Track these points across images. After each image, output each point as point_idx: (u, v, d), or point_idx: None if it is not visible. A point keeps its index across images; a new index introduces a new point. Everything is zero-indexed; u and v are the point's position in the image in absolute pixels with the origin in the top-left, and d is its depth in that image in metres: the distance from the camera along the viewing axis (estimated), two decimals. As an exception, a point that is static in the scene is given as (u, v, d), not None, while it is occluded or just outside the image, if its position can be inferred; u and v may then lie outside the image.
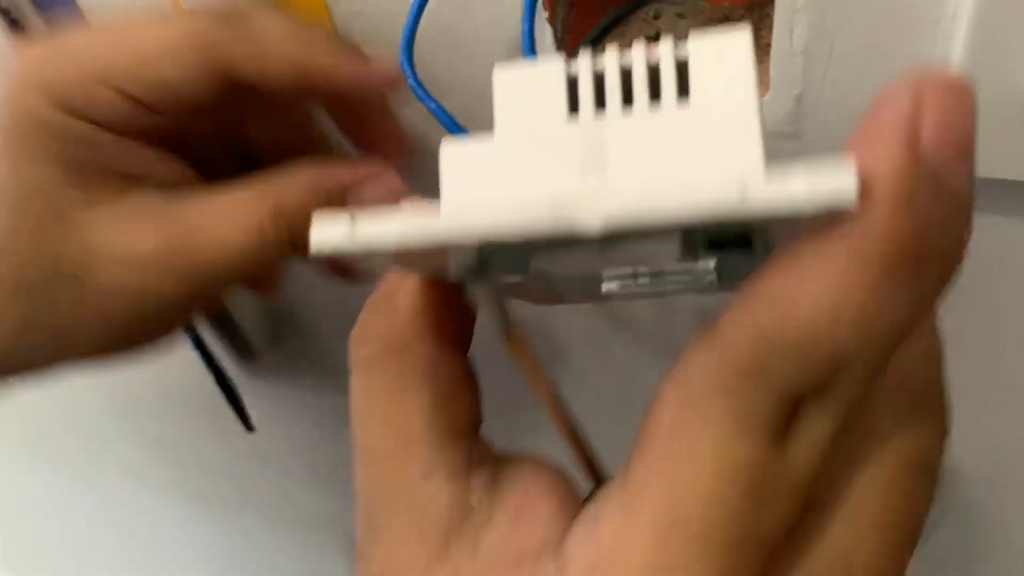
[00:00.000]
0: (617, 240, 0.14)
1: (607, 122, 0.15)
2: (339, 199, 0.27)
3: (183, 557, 0.85)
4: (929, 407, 0.15)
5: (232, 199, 0.26)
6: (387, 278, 0.18)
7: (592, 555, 0.14)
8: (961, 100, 0.12)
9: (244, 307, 0.52)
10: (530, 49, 0.27)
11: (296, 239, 0.26)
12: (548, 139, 0.15)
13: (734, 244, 0.15)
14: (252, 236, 0.25)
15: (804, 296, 0.12)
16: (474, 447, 0.18)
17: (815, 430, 0.14)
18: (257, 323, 0.53)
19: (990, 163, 0.26)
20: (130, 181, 0.26)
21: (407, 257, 0.16)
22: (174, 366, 0.59)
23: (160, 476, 0.75)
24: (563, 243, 0.15)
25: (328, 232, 0.15)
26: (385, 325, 0.18)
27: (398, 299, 0.18)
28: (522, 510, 0.16)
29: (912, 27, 0.25)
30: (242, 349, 0.55)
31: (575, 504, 0.17)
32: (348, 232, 0.14)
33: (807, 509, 0.14)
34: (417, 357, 0.17)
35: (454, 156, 0.16)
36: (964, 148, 0.12)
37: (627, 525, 0.14)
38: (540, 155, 0.15)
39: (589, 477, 0.18)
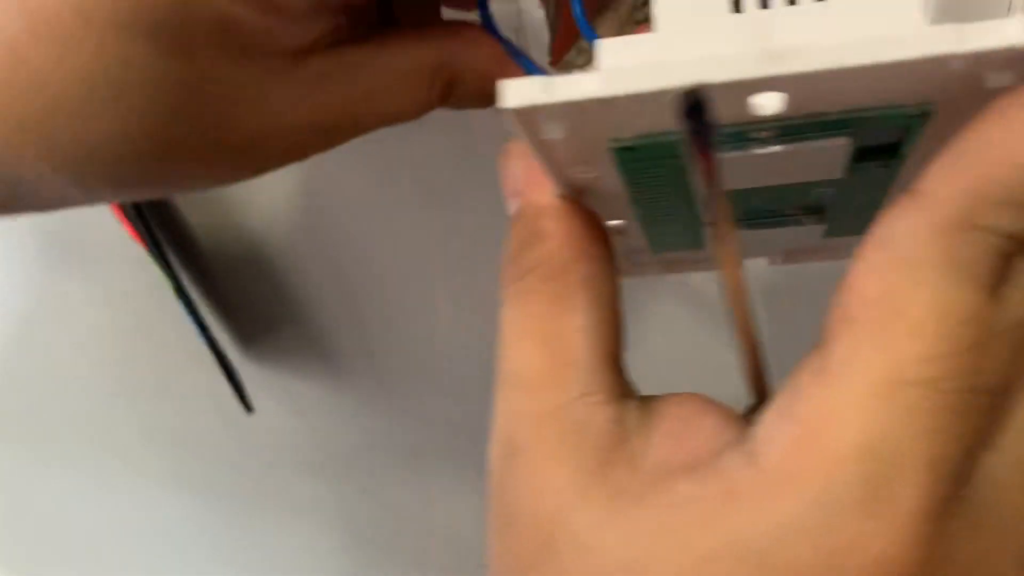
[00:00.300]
0: (793, 127, 0.14)
1: (773, 13, 0.15)
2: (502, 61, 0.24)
3: (180, 546, 0.86)
4: None
5: (402, 63, 0.24)
6: (519, 205, 0.18)
7: (792, 434, 0.14)
8: None
9: (245, 292, 0.54)
10: None
11: (470, 97, 0.25)
12: (714, 29, 0.15)
13: (885, 151, 0.16)
14: (424, 97, 0.24)
15: (1018, 143, 0.13)
16: (623, 376, 0.18)
17: None
18: (257, 308, 0.55)
19: None
20: (297, 52, 0.23)
21: (585, 126, 0.15)
22: (174, 352, 0.60)
23: (158, 464, 0.76)
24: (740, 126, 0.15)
25: (523, 88, 0.14)
26: (538, 251, 0.17)
27: (545, 224, 0.18)
28: (681, 427, 0.16)
29: None
30: (242, 333, 0.56)
31: (736, 418, 0.16)
32: (544, 85, 0.14)
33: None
34: (576, 278, 0.17)
35: (614, 48, 0.16)
36: None
37: (833, 397, 0.14)
38: (708, 42, 0.15)
39: (754, 390, 0.17)
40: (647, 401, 0.17)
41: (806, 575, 0.13)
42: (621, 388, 0.17)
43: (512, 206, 0.19)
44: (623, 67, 0.14)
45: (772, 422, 0.14)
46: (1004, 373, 0.13)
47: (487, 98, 0.22)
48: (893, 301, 0.13)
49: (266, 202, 0.46)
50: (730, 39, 0.15)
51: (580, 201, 0.18)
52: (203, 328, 0.52)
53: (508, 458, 0.17)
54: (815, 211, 0.20)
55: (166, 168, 0.21)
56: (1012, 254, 0.13)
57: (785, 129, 0.15)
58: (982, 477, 0.14)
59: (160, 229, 0.47)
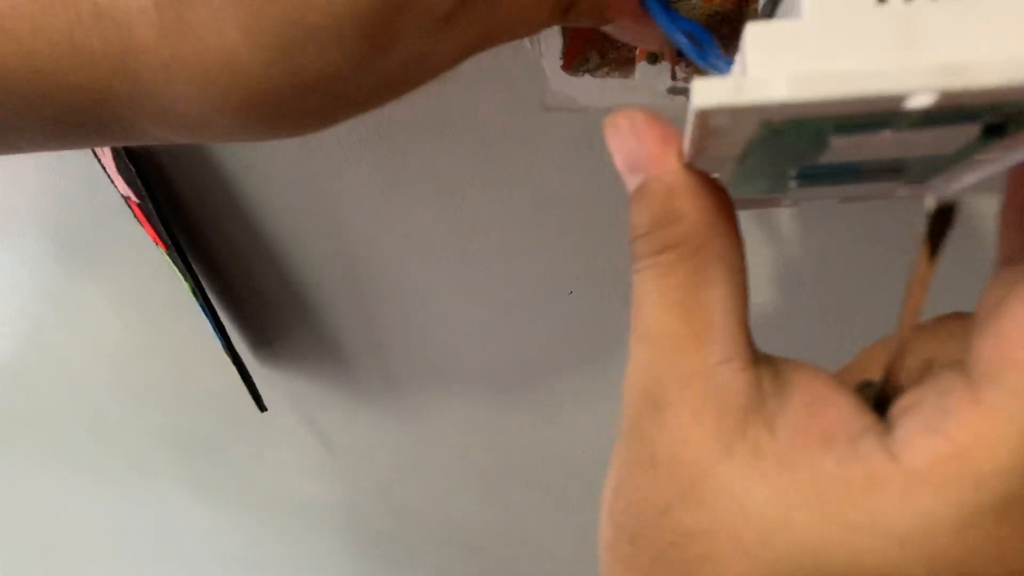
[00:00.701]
0: (932, 116, 0.16)
1: (918, 6, 0.16)
2: None
3: (190, 548, 0.87)
4: None
5: None
6: (643, 186, 0.20)
7: (941, 448, 0.15)
8: None
9: (259, 293, 0.55)
10: None
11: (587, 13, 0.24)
12: (861, 22, 0.16)
13: (997, 131, 0.17)
14: (548, 14, 0.24)
15: None
16: (753, 344, 0.19)
17: None
18: (271, 309, 0.56)
19: None
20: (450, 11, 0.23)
21: (753, 115, 0.16)
22: (190, 352, 0.61)
23: (170, 466, 0.77)
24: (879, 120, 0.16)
25: (716, 88, 0.15)
26: (676, 230, 0.19)
27: (680, 204, 0.19)
28: (815, 401, 0.18)
29: None
30: (256, 333, 0.57)
31: (864, 405, 0.18)
32: (736, 88, 0.15)
33: None
34: (713, 253, 0.19)
35: (762, 35, 0.16)
36: None
37: (988, 428, 0.15)
38: (855, 36, 0.16)
39: (887, 379, 0.19)
40: (777, 366, 0.19)
41: (942, 562, 0.15)
42: (754, 354, 0.19)
43: (632, 181, 0.20)
44: (799, 70, 0.15)
45: (919, 433, 0.16)
46: None
47: (601, 13, 0.24)
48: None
49: (282, 205, 0.48)
50: (880, 35, 0.16)
51: (699, 167, 0.19)
52: (219, 327, 0.53)
53: (652, 411, 0.18)
54: (896, 170, 0.20)
55: (331, 106, 0.23)
56: None
57: (925, 117, 0.16)
58: None
59: (179, 231, 0.49)
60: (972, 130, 0.17)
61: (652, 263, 0.19)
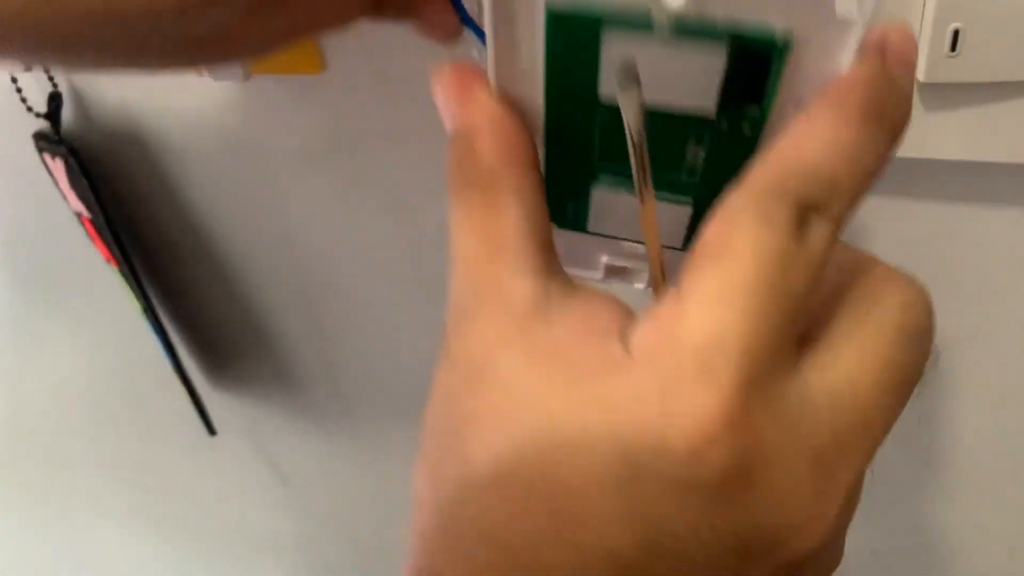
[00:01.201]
0: (684, 26, 0.19)
1: None
2: None
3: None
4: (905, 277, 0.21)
5: None
6: (460, 116, 0.23)
7: (651, 328, 0.19)
8: (909, 38, 0.20)
9: (212, 317, 0.54)
10: None
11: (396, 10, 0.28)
12: None
13: (748, 96, 0.20)
14: (358, 12, 0.27)
15: (810, 137, 0.19)
16: (552, 259, 0.22)
17: (820, 232, 0.19)
18: (224, 332, 0.55)
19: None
20: None
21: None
22: (139, 375, 0.60)
23: (114, 493, 0.76)
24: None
25: None
26: (474, 165, 0.22)
27: (478, 142, 0.22)
28: (592, 306, 0.21)
29: None
30: (209, 355, 0.57)
31: (633, 315, 0.21)
32: None
33: (821, 326, 0.20)
34: (507, 184, 0.22)
35: None
36: (910, 64, 0.20)
37: (682, 304, 0.18)
38: None
39: (656, 291, 0.22)
40: (572, 286, 0.22)
41: (646, 422, 0.18)
42: (548, 267, 0.21)
43: (448, 126, 0.23)
44: None
45: (642, 321, 0.19)
46: (806, 293, 0.18)
47: (410, 9, 0.27)
48: (724, 243, 0.18)
49: (235, 222, 0.47)
50: None
51: (511, 94, 0.22)
52: (170, 348, 0.52)
53: (457, 320, 0.21)
54: (686, 190, 0.24)
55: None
56: (808, 212, 0.19)
57: (678, 25, 0.19)
58: (797, 386, 0.18)
59: (131, 248, 0.48)
60: (720, 59, 0.20)
61: (456, 199, 0.22)
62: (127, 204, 0.48)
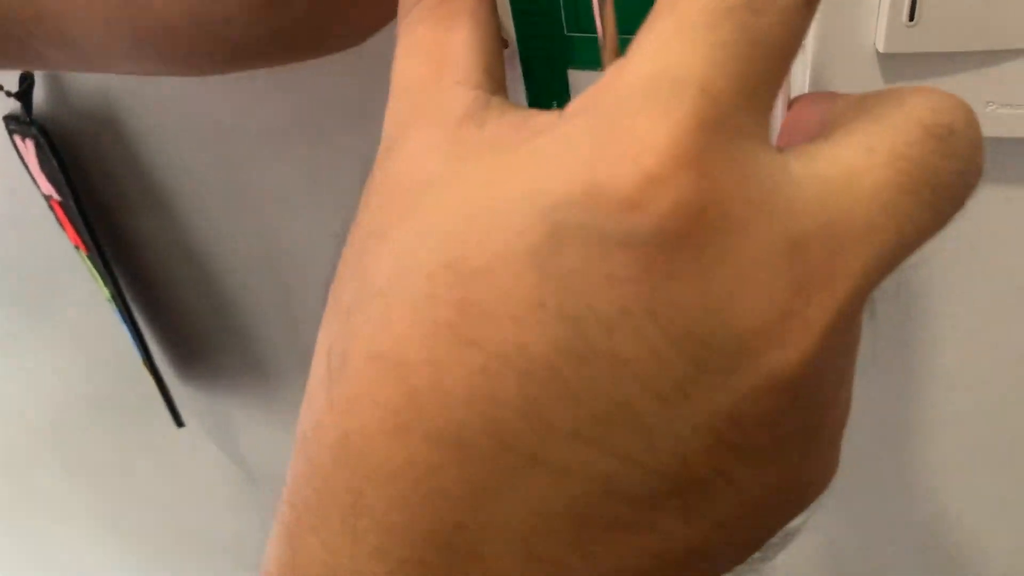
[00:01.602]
0: None
1: None
2: None
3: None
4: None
5: None
6: None
7: (590, 90, 0.15)
8: None
9: (184, 310, 0.54)
10: None
11: None
12: None
13: None
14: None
15: None
16: (500, 85, 0.19)
17: None
18: (198, 324, 0.55)
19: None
20: None
21: None
22: (106, 365, 0.60)
23: (78, 493, 0.75)
24: None
25: None
26: None
27: None
28: (532, 113, 0.17)
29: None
30: (179, 347, 0.56)
31: None
32: None
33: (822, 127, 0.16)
34: (460, 6, 0.19)
35: None
36: None
37: (627, 56, 0.15)
38: None
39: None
40: (518, 106, 0.19)
41: (572, 170, 0.14)
42: (492, 87, 0.19)
43: None
44: None
45: (582, 93, 0.16)
46: (781, 48, 0.15)
47: None
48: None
49: (208, 205, 0.47)
50: None
51: None
52: (138, 337, 0.52)
53: (387, 149, 0.18)
54: None
55: None
56: None
57: None
58: (774, 160, 0.15)
59: (103, 235, 0.48)
60: None
61: (407, 20, 0.20)
62: (98, 188, 0.48)
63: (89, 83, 0.44)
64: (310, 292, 0.50)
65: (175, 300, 0.53)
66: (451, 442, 0.15)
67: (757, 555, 0.18)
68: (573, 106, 0.16)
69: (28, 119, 0.44)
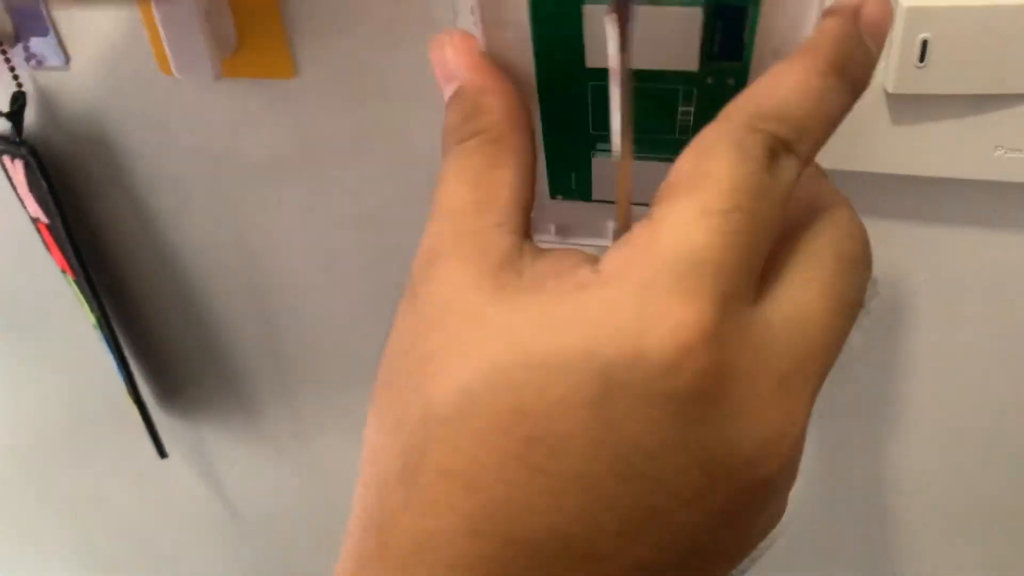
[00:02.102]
0: None
1: None
2: None
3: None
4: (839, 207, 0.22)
5: None
6: (461, 81, 0.23)
7: (625, 251, 0.19)
8: (885, 7, 0.21)
9: (170, 340, 0.53)
10: None
11: None
12: None
13: (729, 52, 0.22)
14: None
15: (783, 82, 0.20)
16: (528, 226, 0.23)
17: (788, 167, 0.20)
18: (180, 352, 0.54)
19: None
20: None
21: None
22: (89, 394, 0.59)
23: (54, 526, 0.73)
24: None
25: None
26: (482, 120, 0.22)
27: (488, 100, 0.23)
28: (563, 256, 0.21)
29: None
30: (164, 377, 0.55)
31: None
32: None
33: (774, 262, 0.20)
34: (510, 144, 0.22)
35: None
36: (879, 29, 0.21)
37: (654, 226, 0.19)
38: None
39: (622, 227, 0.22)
40: (544, 250, 0.22)
41: (622, 334, 0.18)
42: (526, 231, 0.22)
43: (449, 88, 0.24)
44: None
45: (614, 248, 0.19)
46: (773, 223, 0.19)
47: None
48: (701, 169, 0.19)
49: (197, 232, 0.46)
50: None
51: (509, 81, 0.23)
52: (124, 364, 0.51)
53: (427, 265, 0.21)
54: (678, 148, 0.22)
55: None
56: (778, 149, 0.20)
57: None
58: (760, 313, 0.19)
59: (90, 260, 0.47)
60: (696, 13, 0.21)
61: (458, 149, 0.23)
62: (87, 211, 0.47)
63: (81, 105, 0.43)
64: (294, 328, 0.49)
65: (161, 329, 0.52)
66: (521, 542, 0.19)
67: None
68: (610, 267, 0.19)
69: (18, 139, 0.43)
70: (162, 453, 0.55)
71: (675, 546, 0.19)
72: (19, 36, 0.41)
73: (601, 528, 0.19)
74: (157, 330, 0.52)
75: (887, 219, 0.34)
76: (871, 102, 0.29)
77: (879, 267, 0.35)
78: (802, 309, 0.20)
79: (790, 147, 0.20)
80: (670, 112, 0.24)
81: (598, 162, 0.26)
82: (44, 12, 0.40)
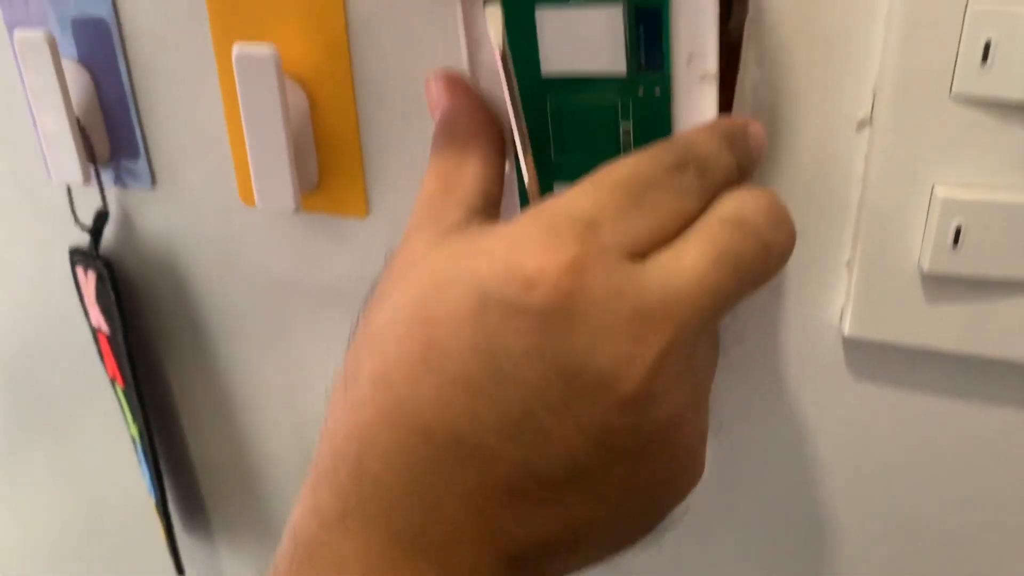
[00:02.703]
0: None
1: None
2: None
3: None
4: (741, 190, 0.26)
5: None
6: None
7: (524, 212, 0.25)
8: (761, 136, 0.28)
9: (204, 459, 0.54)
10: None
11: None
12: None
13: (651, 61, 0.27)
14: None
15: (695, 132, 0.27)
16: (491, 210, 0.28)
17: (689, 181, 0.26)
18: (213, 474, 0.55)
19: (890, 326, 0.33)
20: None
21: None
22: (116, 502, 0.59)
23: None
24: None
25: None
26: (454, 127, 0.29)
27: (460, 115, 0.30)
28: (494, 225, 0.26)
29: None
30: (191, 496, 0.56)
31: None
32: None
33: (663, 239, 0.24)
34: (474, 149, 0.29)
35: None
36: (735, 136, 0.28)
37: (554, 198, 0.25)
38: None
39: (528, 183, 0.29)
40: (492, 222, 0.27)
41: (499, 262, 0.23)
42: (483, 211, 0.28)
43: (436, 112, 0.31)
44: None
45: (520, 214, 0.25)
46: (661, 201, 0.24)
47: None
48: (606, 166, 0.25)
49: (252, 364, 0.48)
50: None
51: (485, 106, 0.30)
52: (158, 479, 0.52)
53: (402, 241, 0.27)
54: None
55: None
56: (688, 166, 0.25)
57: None
58: (635, 265, 0.23)
59: (142, 372, 0.49)
60: (618, 11, 0.27)
61: (435, 155, 0.29)
62: (147, 325, 0.50)
63: (159, 225, 0.46)
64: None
65: (196, 447, 0.54)
66: (423, 432, 0.23)
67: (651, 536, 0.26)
68: (512, 223, 0.24)
69: (95, 253, 0.46)
70: (180, 569, 0.55)
71: (560, 459, 0.23)
72: (113, 156, 0.44)
73: (484, 425, 0.23)
74: (192, 448, 0.54)
75: (916, 392, 0.35)
76: (906, 279, 0.32)
77: (909, 439, 0.36)
78: (680, 259, 0.23)
79: (696, 171, 0.25)
80: (612, 130, 0.30)
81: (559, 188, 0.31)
82: (139, 136, 0.43)
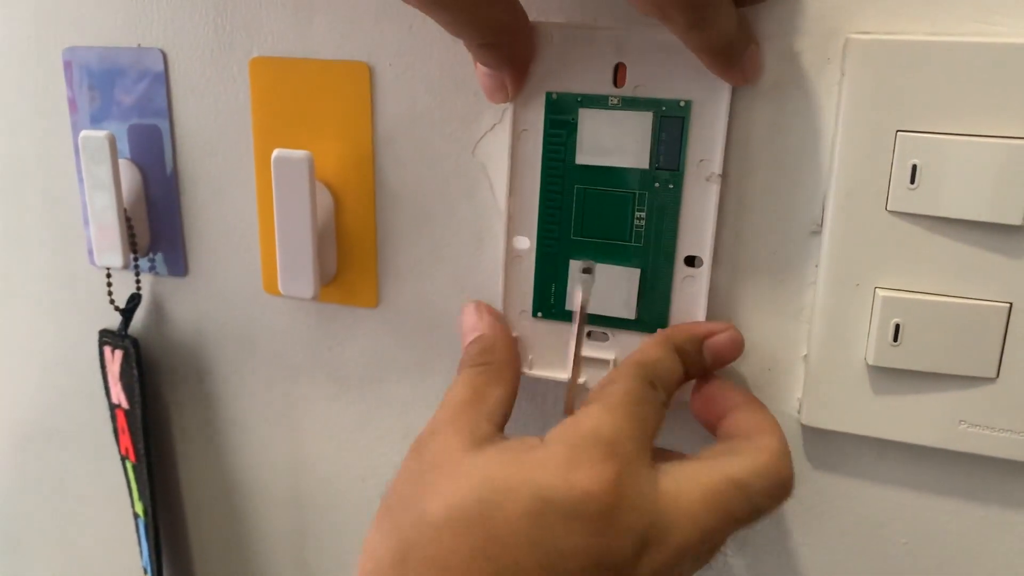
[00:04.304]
0: (627, 100, 0.36)
1: None
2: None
3: None
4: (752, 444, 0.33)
5: None
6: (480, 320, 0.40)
7: (560, 429, 0.31)
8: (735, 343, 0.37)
9: (203, 543, 0.56)
10: None
11: None
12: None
13: (669, 161, 0.36)
14: None
15: (655, 349, 0.35)
16: (506, 419, 0.36)
17: (660, 392, 0.33)
18: (208, 556, 0.57)
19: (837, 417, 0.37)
20: None
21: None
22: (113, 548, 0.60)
23: None
24: None
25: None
26: (490, 357, 0.37)
27: (497, 345, 0.38)
28: (522, 437, 0.32)
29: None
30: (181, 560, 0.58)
31: None
32: None
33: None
34: (503, 375, 0.37)
35: None
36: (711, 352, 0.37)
37: (579, 418, 0.31)
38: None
39: (566, 414, 0.35)
40: (514, 437, 0.33)
41: (555, 474, 0.28)
42: (500, 429, 0.34)
43: (470, 336, 0.39)
44: None
45: (556, 427, 0.31)
46: (653, 419, 0.32)
47: None
48: (607, 387, 0.33)
49: (257, 445, 0.51)
50: None
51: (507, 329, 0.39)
52: (157, 558, 0.54)
53: (429, 435, 0.33)
54: (635, 255, 0.37)
55: None
56: (655, 381, 0.34)
57: (623, 101, 0.34)
58: (652, 475, 0.30)
59: (155, 451, 0.52)
60: (649, 117, 0.35)
61: (469, 370, 0.37)
62: (164, 404, 0.53)
63: (186, 310, 0.50)
64: (328, 543, 0.52)
65: (196, 525, 0.56)
66: None
67: None
68: (550, 437, 0.31)
69: (124, 333, 0.50)
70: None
71: None
72: (152, 246, 0.49)
73: None
74: (192, 526, 0.56)
75: (869, 481, 0.39)
76: (854, 370, 0.36)
77: (864, 529, 0.39)
78: (688, 493, 0.30)
79: (661, 381, 0.34)
80: (627, 216, 0.37)
81: (575, 265, 0.38)
82: (180, 231, 0.48)
